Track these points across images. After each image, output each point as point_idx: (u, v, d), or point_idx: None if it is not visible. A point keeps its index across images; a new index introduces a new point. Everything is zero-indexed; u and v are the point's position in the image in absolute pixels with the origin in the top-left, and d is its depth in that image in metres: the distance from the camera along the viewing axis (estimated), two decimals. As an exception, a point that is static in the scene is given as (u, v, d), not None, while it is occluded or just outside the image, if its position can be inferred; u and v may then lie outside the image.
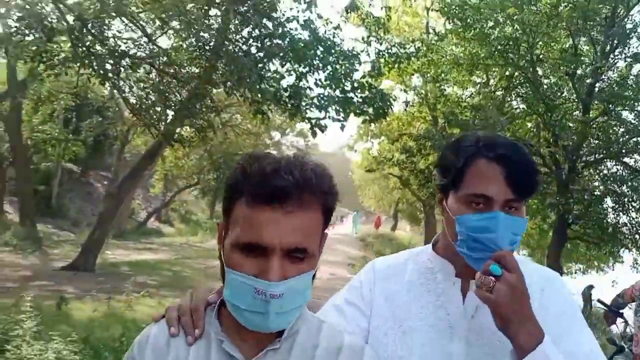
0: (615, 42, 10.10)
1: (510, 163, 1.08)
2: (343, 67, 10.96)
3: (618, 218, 11.51)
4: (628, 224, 11.51)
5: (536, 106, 10.19)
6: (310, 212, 0.91)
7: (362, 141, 18.90)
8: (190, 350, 0.97)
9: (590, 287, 16.36)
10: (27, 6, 7.94)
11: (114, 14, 8.16)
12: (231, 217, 0.93)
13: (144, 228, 24.33)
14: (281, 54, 10.12)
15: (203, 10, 9.32)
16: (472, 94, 11.44)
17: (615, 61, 11.00)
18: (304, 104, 10.53)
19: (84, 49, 7.94)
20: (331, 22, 12.06)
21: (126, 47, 8.51)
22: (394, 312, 1.21)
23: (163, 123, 10.35)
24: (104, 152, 25.58)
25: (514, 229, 1.10)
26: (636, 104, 10.11)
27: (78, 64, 8.23)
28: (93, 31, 8.11)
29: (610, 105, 10.59)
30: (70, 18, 8.22)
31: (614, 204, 10.56)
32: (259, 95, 9.68)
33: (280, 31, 10.25)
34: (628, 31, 10.06)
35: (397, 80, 13.64)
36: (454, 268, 1.20)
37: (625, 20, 10.32)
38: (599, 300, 5.26)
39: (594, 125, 10.96)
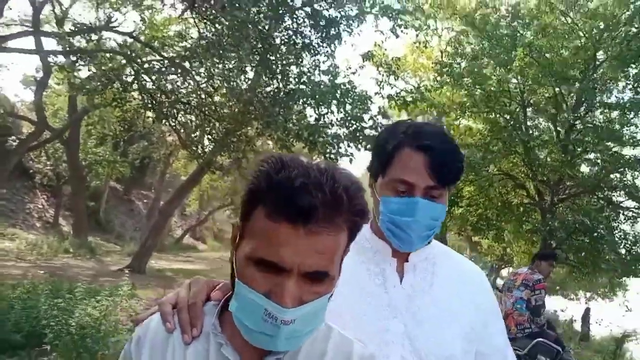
0: (583, 97, 12.25)
1: (433, 152, 1.17)
2: (356, 110, 13.45)
3: (598, 246, 13.33)
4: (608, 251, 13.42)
5: (514, 146, 12.41)
6: (337, 234, 0.85)
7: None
8: (188, 348, 0.94)
9: (588, 309, 18.38)
10: (110, 64, 10.81)
11: (172, 69, 10.93)
12: (248, 225, 0.87)
13: (180, 243, 27.14)
14: (304, 98, 12.69)
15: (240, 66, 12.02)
16: (460, 134, 13.72)
17: (590, 109, 13.13)
18: (321, 140, 13.01)
19: (151, 98, 10.69)
20: (350, 68, 14.67)
21: (180, 96, 11.23)
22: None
23: (204, 153, 13.03)
24: (146, 173, 28.70)
25: (433, 215, 1.20)
26: (601, 147, 12.17)
27: (144, 110, 10.98)
28: (156, 83, 10.87)
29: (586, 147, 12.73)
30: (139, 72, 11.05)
31: (587, 235, 12.47)
32: (285, 133, 12.23)
33: (304, 78, 12.87)
34: (595, 86, 12.19)
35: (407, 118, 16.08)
36: (390, 248, 1.28)
37: (594, 76, 12.46)
38: (494, 286, 7.20)
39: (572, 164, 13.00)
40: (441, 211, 1.21)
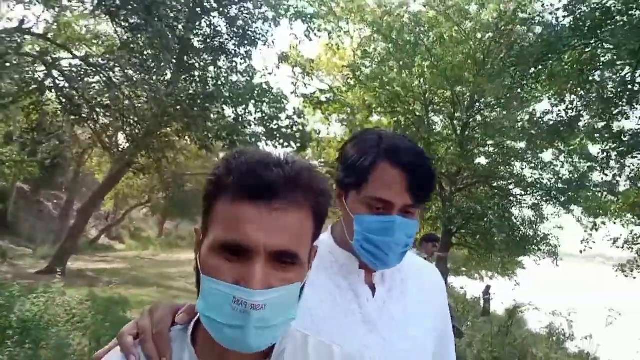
0: (475, 97, 13.99)
1: (413, 172, 1.17)
2: (272, 110, 14.39)
3: (490, 230, 15.18)
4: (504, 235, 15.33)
5: (416, 143, 13.90)
6: (301, 213, 0.82)
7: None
8: None
9: (488, 287, 20.40)
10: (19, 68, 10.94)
11: (92, 73, 11.27)
12: (210, 218, 0.84)
13: (96, 244, 26.73)
14: (222, 99, 13.42)
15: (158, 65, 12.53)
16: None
17: (480, 109, 14.91)
18: (240, 139, 13.80)
19: (69, 103, 11.01)
20: (266, 69, 15.56)
21: (100, 100, 11.59)
22: (305, 306, 1.16)
23: (125, 155, 13.43)
24: (56, 172, 27.87)
25: (409, 232, 1.21)
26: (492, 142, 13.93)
27: (63, 113, 11.26)
28: (76, 87, 11.19)
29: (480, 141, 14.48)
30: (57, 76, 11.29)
31: (479, 220, 14.25)
32: (204, 133, 12.90)
33: (221, 80, 13.60)
34: (484, 88, 13.94)
35: (322, 119, 17.25)
36: (357, 260, 1.27)
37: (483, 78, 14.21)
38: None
39: (467, 158, 14.73)
40: (414, 227, 1.22)
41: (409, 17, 15.31)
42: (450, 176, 14.82)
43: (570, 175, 14.49)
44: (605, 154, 9.85)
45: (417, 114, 15.23)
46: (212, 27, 12.32)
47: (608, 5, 6.87)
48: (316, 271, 1.19)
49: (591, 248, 14.43)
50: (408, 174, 1.17)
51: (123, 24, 9.64)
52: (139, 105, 11.82)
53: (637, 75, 7.55)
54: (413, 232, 1.23)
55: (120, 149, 13.28)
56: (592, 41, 6.87)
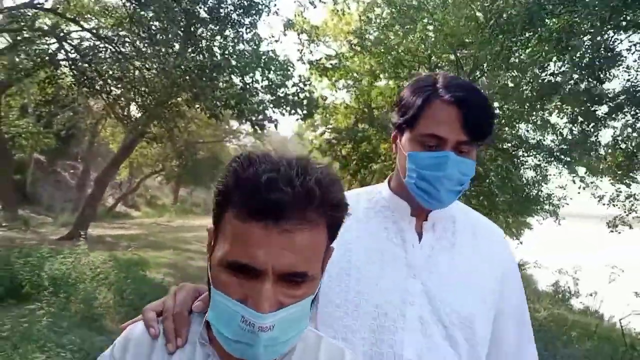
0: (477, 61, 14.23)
1: (466, 106, 1.15)
2: (278, 78, 14.80)
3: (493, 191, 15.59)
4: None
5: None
6: (313, 231, 0.82)
7: (310, 131, 22.64)
8: (173, 357, 0.94)
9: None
10: (36, 42, 11.49)
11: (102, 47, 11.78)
12: (220, 227, 0.85)
13: (113, 212, 27.70)
14: (229, 69, 13.86)
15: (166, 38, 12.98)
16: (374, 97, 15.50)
17: (483, 73, 15.14)
18: (247, 107, 14.29)
19: (83, 76, 11.56)
20: (272, 36, 15.89)
21: (112, 72, 12.12)
22: (346, 249, 1.25)
23: (138, 125, 14.03)
24: (70, 143, 28.69)
25: (463, 170, 1.20)
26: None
27: (77, 87, 11.83)
28: (88, 61, 11.72)
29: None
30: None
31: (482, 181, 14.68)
32: (213, 102, 13.40)
33: (228, 49, 14.00)
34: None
35: (329, 85, 17.58)
36: (409, 207, 1.29)
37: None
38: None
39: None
40: (471, 167, 1.21)
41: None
42: (454, 139, 15.23)
43: (574, 137, 14.78)
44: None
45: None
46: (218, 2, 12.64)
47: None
48: (366, 215, 1.29)
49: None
50: (461, 109, 1.16)
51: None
52: (149, 77, 12.32)
53: (609, 40, 7.90)
54: (469, 171, 1.22)
55: (132, 119, 13.87)
56: (574, 8, 7.18)
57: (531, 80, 9.85)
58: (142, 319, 1.00)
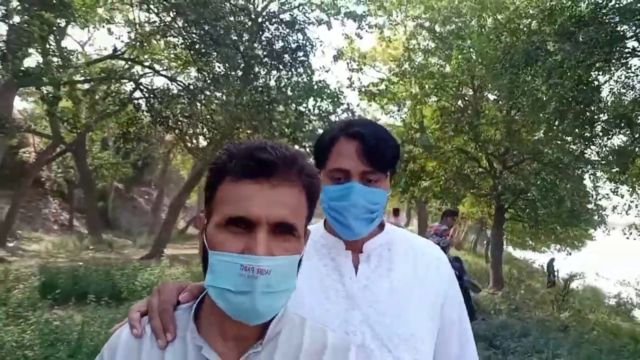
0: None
1: (364, 138, 1.25)
2: (330, 106, 16.35)
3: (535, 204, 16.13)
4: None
5: (463, 127, 15.41)
6: (296, 189, 0.95)
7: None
8: (165, 353, 0.98)
9: (552, 259, 21.25)
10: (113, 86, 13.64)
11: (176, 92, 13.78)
12: (214, 202, 0.96)
13: (185, 234, 29.97)
14: (284, 100, 15.54)
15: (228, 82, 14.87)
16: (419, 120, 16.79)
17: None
18: (301, 135, 15.87)
19: (159, 116, 13.60)
20: (323, 67, 17.51)
21: (183, 112, 14.09)
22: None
23: (204, 152, 16.00)
24: (144, 171, 31.38)
25: (371, 198, 1.26)
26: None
27: (154, 125, 13.90)
28: (162, 102, 13.76)
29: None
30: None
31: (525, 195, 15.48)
32: (270, 132, 15.11)
33: (283, 82, 15.72)
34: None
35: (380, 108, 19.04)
36: (343, 243, 1.37)
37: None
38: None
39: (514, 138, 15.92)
40: (380, 195, 1.28)
41: (450, 9, 16.64)
42: (499, 156, 16.15)
43: (619, 146, 15.23)
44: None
45: (467, 99, 16.63)
46: (270, 44, 14.32)
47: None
48: (307, 254, 1.26)
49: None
50: (360, 142, 1.25)
51: (198, 52, 11.97)
52: (214, 114, 14.22)
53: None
54: (377, 199, 1.28)
55: (200, 149, 15.86)
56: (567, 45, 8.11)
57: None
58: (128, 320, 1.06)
